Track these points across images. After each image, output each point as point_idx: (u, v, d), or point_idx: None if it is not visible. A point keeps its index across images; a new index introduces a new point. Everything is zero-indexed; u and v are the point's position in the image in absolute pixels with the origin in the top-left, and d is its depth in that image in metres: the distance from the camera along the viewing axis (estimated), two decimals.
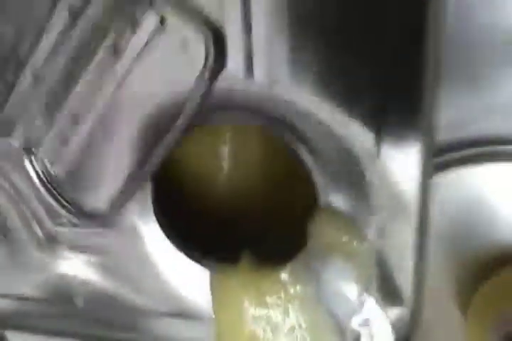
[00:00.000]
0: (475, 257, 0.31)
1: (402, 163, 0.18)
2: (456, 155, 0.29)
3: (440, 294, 0.32)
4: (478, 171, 0.30)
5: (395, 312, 0.19)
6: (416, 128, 0.18)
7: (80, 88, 0.19)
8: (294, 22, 0.17)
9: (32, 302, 0.24)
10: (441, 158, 0.29)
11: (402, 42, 0.17)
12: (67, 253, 0.22)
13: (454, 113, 0.28)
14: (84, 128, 0.20)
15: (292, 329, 0.19)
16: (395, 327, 0.19)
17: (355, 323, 0.19)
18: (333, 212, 0.19)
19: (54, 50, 0.19)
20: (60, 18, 0.19)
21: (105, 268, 0.22)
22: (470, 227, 0.31)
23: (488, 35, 0.27)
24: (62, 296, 0.24)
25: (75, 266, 0.23)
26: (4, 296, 0.25)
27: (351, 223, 0.19)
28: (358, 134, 0.18)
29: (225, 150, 0.23)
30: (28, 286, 0.24)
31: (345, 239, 0.19)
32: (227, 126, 0.20)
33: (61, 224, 0.22)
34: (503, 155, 0.29)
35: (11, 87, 0.20)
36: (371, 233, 0.19)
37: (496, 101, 0.29)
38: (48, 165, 0.20)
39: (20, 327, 0.26)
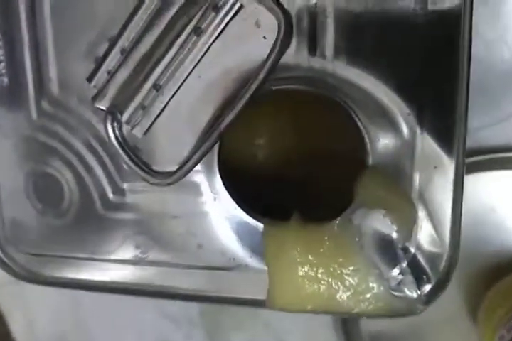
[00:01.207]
0: (483, 264, 0.32)
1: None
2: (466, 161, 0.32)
3: (450, 300, 0.33)
4: (488, 178, 0.31)
5: (434, 258, 0.22)
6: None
7: (164, 62, 0.22)
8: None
9: None
10: None
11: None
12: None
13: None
14: (165, 97, 0.22)
15: (339, 276, 0.22)
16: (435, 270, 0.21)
17: (396, 271, 0.22)
18: (379, 172, 0.22)
19: (143, 32, 0.22)
20: (150, 3, 0.23)
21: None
22: (478, 235, 0.32)
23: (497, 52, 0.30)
24: None
25: None
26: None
27: (395, 181, 0.22)
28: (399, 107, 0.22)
29: (280, 118, 0.26)
30: None
31: (387, 195, 0.22)
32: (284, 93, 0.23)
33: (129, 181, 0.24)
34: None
35: (100, 61, 0.23)
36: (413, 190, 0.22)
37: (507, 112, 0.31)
38: (127, 129, 0.23)
39: None
